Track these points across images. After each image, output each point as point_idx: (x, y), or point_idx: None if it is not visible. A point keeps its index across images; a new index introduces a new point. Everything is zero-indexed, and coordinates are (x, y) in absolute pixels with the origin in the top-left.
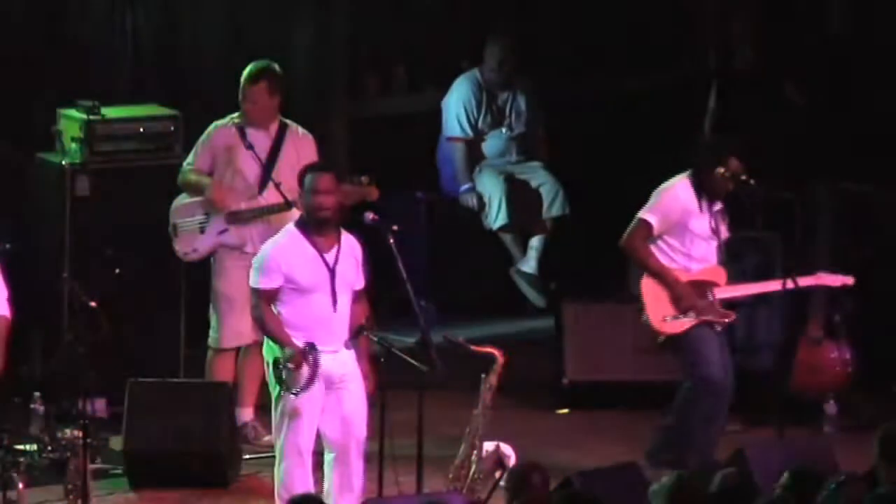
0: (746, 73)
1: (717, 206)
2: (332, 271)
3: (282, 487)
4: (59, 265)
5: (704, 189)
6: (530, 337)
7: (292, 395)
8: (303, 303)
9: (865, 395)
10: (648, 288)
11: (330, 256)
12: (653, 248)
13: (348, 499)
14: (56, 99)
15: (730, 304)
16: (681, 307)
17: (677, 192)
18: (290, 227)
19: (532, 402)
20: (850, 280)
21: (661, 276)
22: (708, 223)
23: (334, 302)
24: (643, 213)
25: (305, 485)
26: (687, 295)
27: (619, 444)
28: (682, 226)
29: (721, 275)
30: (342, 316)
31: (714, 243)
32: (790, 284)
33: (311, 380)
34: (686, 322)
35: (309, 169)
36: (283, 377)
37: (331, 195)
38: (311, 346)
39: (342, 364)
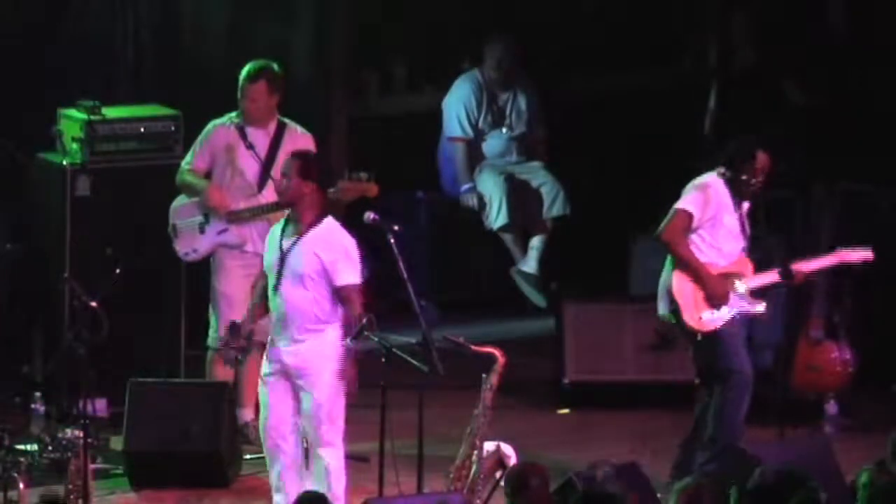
0: (746, 73)
1: (745, 207)
2: (281, 258)
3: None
4: (60, 265)
5: (735, 187)
6: (531, 337)
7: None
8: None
9: (866, 394)
10: (680, 288)
11: (287, 242)
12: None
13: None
14: (57, 99)
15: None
16: (717, 301)
17: (714, 185)
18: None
19: (532, 401)
20: (869, 254)
21: (697, 270)
22: (738, 221)
23: (276, 289)
24: (681, 204)
25: (274, 463)
26: (723, 289)
27: (619, 443)
28: (717, 220)
29: (748, 266)
30: (287, 305)
31: (742, 243)
32: (812, 268)
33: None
34: (720, 318)
35: None
36: None
37: (286, 177)
38: (233, 324)
39: (294, 356)
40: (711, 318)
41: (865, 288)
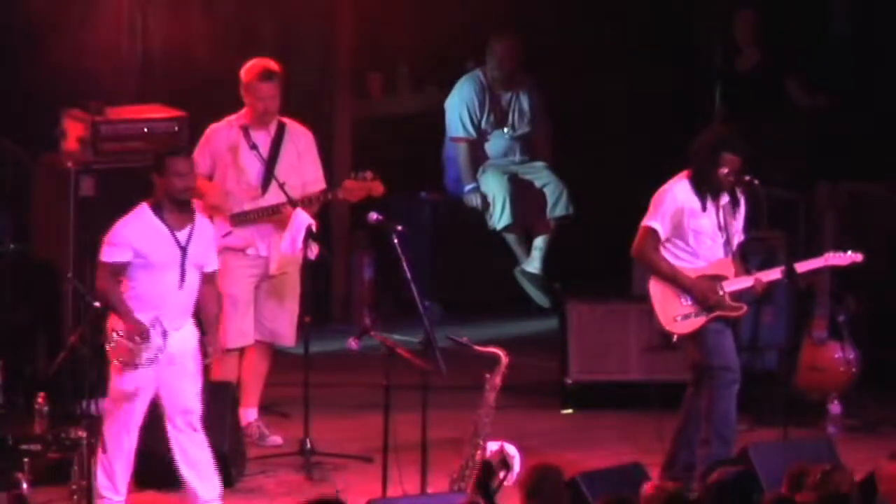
0: (750, 74)
1: (724, 200)
2: (183, 249)
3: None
4: (64, 265)
5: (704, 185)
6: (534, 337)
7: (131, 369)
8: (151, 279)
9: (869, 395)
10: (656, 290)
11: (182, 235)
12: (661, 250)
13: (194, 466)
14: (62, 100)
15: (739, 296)
16: (705, 306)
17: (675, 193)
18: (143, 205)
19: (536, 402)
20: (858, 257)
21: (677, 280)
22: (714, 220)
23: (182, 279)
24: (647, 221)
25: (124, 451)
26: (708, 293)
27: (623, 444)
28: (686, 226)
29: (729, 267)
30: (189, 293)
31: (721, 239)
32: (800, 270)
33: (156, 355)
34: (697, 321)
35: (169, 152)
36: (126, 350)
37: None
38: (157, 322)
39: (182, 340)
40: (686, 322)
41: (869, 288)
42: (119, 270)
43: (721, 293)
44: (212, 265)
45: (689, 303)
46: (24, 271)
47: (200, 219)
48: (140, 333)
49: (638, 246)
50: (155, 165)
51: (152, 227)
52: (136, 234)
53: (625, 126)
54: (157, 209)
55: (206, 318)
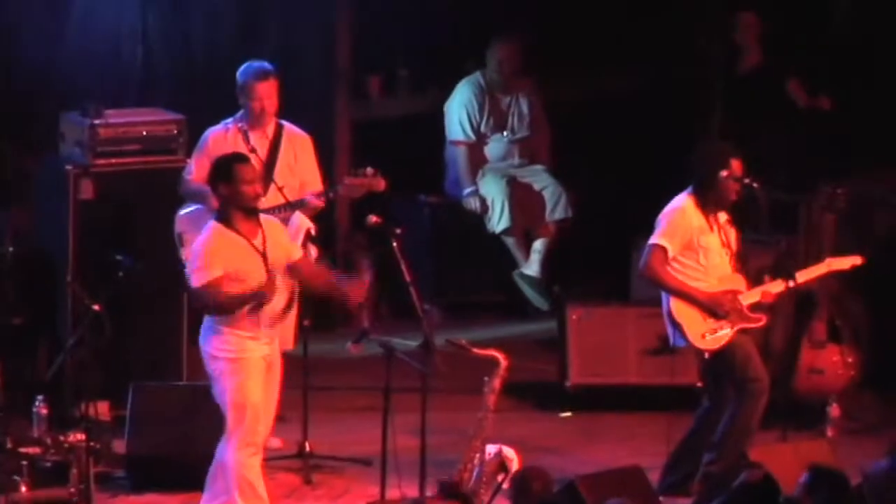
0: (751, 75)
1: (724, 218)
2: (263, 255)
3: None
4: (63, 268)
5: (710, 201)
6: (533, 340)
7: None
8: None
9: (869, 397)
10: (679, 310)
11: (258, 241)
12: (669, 270)
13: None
14: (61, 102)
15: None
16: (720, 315)
17: (685, 210)
18: (211, 224)
19: (535, 405)
20: (858, 260)
21: (690, 295)
22: (719, 237)
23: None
24: (655, 239)
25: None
26: (721, 301)
27: (622, 447)
28: (695, 243)
29: (740, 281)
30: (279, 298)
31: (726, 255)
32: (803, 279)
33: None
34: (724, 335)
35: (235, 159)
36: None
37: (259, 184)
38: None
39: (275, 350)
40: (714, 337)
41: (868, 290)
42: (213, 290)
43: (739, 307)
44: (293, 256)
45: (714, 318)
46: (24, 273)
47: (267, 219)
48: (250, 299)
49: (647, 264)
50: (219, 175)
51: (231, 241)
52: (219, 252)
53: (625, 127)
54: (227, 222)
55: (334, 296)
